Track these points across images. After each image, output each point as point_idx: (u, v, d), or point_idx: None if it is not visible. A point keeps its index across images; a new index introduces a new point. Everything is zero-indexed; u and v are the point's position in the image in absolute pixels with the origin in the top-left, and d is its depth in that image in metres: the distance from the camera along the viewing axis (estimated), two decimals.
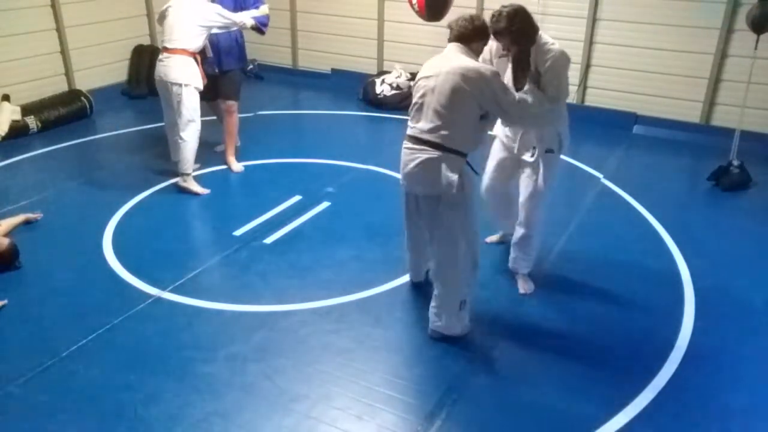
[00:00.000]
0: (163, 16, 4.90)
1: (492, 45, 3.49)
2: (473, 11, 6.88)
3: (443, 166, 3.10)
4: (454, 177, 3.09)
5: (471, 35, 3.18)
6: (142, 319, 3.51)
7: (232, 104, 5.30)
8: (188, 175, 4.98)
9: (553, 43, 3.37)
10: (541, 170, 3.58)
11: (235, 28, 4.97)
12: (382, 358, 3.24)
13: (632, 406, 2.92)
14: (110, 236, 4.33)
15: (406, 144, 3.27)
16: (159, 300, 3.67)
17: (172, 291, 3.75)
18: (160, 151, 5.82)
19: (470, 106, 3.09)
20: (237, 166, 5.42)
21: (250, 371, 3.13)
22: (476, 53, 3.25)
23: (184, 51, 4.74)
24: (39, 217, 4.50)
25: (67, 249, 4.19)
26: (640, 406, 2.92)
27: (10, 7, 6.20)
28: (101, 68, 7.21)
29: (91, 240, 4.27)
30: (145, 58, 7.46)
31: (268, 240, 4.33)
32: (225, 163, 5.45)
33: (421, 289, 3.79)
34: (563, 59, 3.35)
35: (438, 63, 3.17)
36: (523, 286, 3.81)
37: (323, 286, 3.82)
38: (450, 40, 3.23)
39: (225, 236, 4.38)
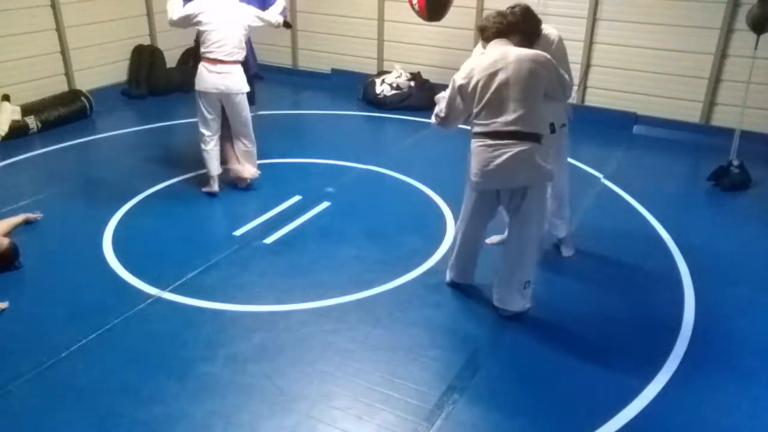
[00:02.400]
0: (202, 22, 4.62)
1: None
2: (473, 11, 6.88)
3: (536, 157, 3.23)
4: (549, 167, 3.31)
5: (507, 29, 3.31)
6: (142, 319, 3.51)
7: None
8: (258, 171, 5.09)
9: (548, 29, 3.63)
10: (561, 142, 3.86)
11: (269, 26, 4.98)
12: (382, 358, 3.24)
13: (631, 407, 2.92)
14: (110, 236, 4.33)
15: (485, 141, 3.26)
16: (159, 300, 3.67)
17: (172, 291, 3.75)
18: (160, 151, 5.83)
19: (541, 89, 3.26)
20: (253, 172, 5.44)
21: (250, 371, 3.13)
22: (515, 45, 3.32)
23: (238, 62, 4.73)
24: (39, 217, 4.50)
25: (67, 249, 4.19)
26: (639, 407, 2.92)
27: (10, 7, 6.20)
28: (101, 68, 7.21)
29: (91, 240, 4.27)
30: (145, 58, 7.46)
31: (268, 240, 4.33)
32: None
33: (421, 289, 3.80)
34: (561, 40, 3.70)
35: (494, 59, 3.23)
36: (566, 250, 4.18)
37: (323, 286, 3.82)
38: (488, 38, 3.34)
39: (225, 236, 4.39)
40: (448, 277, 3.84)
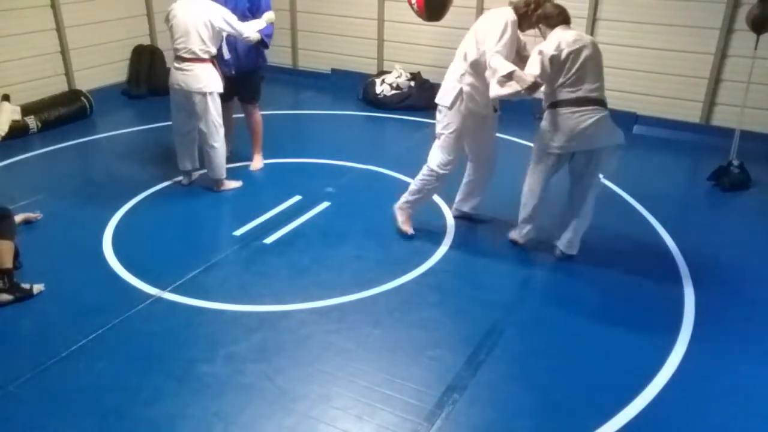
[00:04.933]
0: (170, 19, 4.72)
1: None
2: (473, 11, 6.88)
3: (611, 122, 3.84)
4: (619, 130, 3.88)
5: (567, 18, 3.89)
6: (142, 319, 3.51)
7: (254, 107, 5.35)
8: (223, 178, 5.02)
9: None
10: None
11: (240, 39, 4.84)
12: (382, 358, 3.24)
13: (631, 407, 2.92)
14: (110, 236, 4.33)
15: (571, 108, 3.76)
16: (159, 300, 3.67)
17: (172, 291, 3.75)
18: (160, 151, 5.83)
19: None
20: (259, 164, 5.50)
21: (250, 371, 3.13)
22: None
23: (201, 60, 4.68)
24: (39, 217, 4.50)
25: (67, 249, 4.19)
26: (639, 407, 2.92)
27: (10, 7, 6.20)
28: (101, 68, 7.21)
29: (91, 240, 4.27)
30: (145, 58, 7.46)
31: (268, 240, 4.33)
32: (251, 159, 5.51)
33: (421, 289, 3.80)
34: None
35: (575, 37, 3.77)
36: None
37: (323, 286, 3.82)
38: (554, 25, 3.85)
39: (225, 236, 4.39)
40: (524, 238, 4.23)
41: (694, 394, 3.02)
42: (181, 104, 4.83)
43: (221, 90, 4.81)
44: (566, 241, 4.10)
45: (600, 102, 3.79)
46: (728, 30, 5.91)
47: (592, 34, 6.45)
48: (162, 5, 7.62)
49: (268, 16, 4.93)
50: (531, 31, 4.02)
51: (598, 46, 3.83)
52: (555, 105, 3.82)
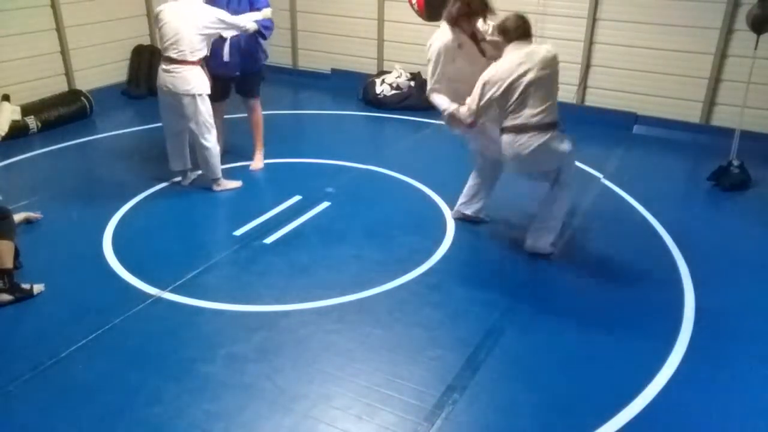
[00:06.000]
0: (159, 21, 4.69)
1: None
2: None
3: (554, 141, 3.76)
4: (565, 142, 3.82)
5: (526, 32, 3.77)
6: (142, 319, 3.51)
7: (255, 101, 5.40)
8: (220, 178, 5.02)
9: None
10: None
11: (238, 32, 4.85)
12: (382, 358, 3.24)
13: (631, 407, 2.92)
14: (110, 236, 4.33)
15: (512, 135, 3.76)
16: (159, 300, 3.67)
17: (172, 291, 3.75)
18: (160, 151, 5.81)
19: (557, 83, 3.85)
20: (259, 164, 5.51)
21: (250, 371, 3.13)
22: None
23: (190, 62, 4.64)
24: (39, 217, 4.50)
25: (67, 249, 4.19)
26: (639, 407, 2.92)
27: (10, 7, 6.21)
28: (101, 68, 7.22)
29: (91, 240, 4.27)
30: (145, 58, 7.46)
31: (268, 240, 4.33)
32: (252, 157, 5.53)
33: (421, 289, 3.80)
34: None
35: (523, 59, 3.68)
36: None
37: (323, 286, 3.82)
38: (512, 40, 3.74)
39: (225, 236, 4.39)
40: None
41: (694, 395, 3.02)
42: (170, 105, 4.80)
43: (209, 92, 4.77)
44: (532, 239, 4.12)
45: (540, 127, 3.72)
46: (728, 30, 5.90)
47: (592, 34, 6.46)
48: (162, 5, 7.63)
49: (265, 12, 4.95)
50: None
51: (554, 60, 3.74)
52: (501, 130, 3.84)
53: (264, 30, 4.98)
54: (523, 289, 3.85)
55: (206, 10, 4.63)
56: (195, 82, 4.68)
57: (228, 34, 4.88)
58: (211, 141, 4.86)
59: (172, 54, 4.64)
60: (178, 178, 5.16)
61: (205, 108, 4.77)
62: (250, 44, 5.04)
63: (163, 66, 4.72)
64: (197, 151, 4.92)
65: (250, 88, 5.33)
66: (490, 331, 3.44)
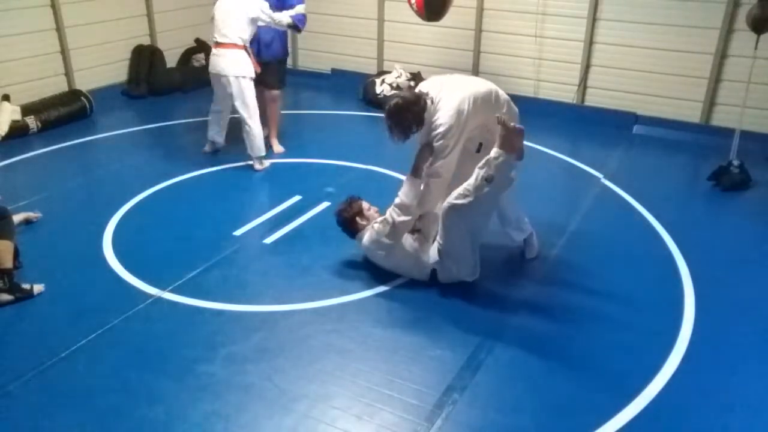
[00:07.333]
0: (214, 10, 5.23)
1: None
2: (473, 11, 6.89)
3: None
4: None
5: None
6: (142, 319, 3.51)
7: (276, 93, 5.73)
8: (262, 156, 5.41)
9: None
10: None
11: (273, 26, 5.28)
12: (382, 358, 3.24)
13: (631, 407, 2.92)
14: (110, 236, 4.33)
15: None
16: (159, 300, 3.67)
17: (172, 291, 3.75)
18: (160, 151, 5.83)
19: None
20: (279, 148, 5.86)
21: (250, 371, 3.13)
22: None
23: (235, 45, 5.11)
24: (39, 217, 4.50)
25: (67, 249, 4.19)
26: (639, 407, 2.92)
27: (10, 7, 6.20)
28: (101, 68, 7.21)
29: (91, 240, 4.27)
30: (145, 58, 7.46)
31: (268, 240, 4.33)
32: (268, 145, 5.73)
33: (421, 289, 3.80)
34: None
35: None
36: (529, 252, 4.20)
37: (323, 286, 3.82)
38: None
39: (225, 236, 4.38)
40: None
41: (694, 394, 3.02)
42: (218, 86, 5.32)
43: (254, 75, 5.22)
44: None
45: None
46: (728, 30, 5.91)
47: (592, 34, 6.47)
48: (162, 5, 7.64)
49: (297, 8, 5.38)
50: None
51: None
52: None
53: (298, 24, 5.39)
54: (523, 289, 3.85)
55: (254, 2, 5.14)
56: (240, 64, 5.15)
57: (264, 25, 5.28)
58: (256, 121, 5.28)
59: (221, 38, 5.15)
60: (204, 147, 5.67)
61: (251, 91, 5.22)
62: (269, 36, 5.45)
63: (214, 50, 5.27)
64: (244, 131, 5.31)
65: (268, 79, 5.56)
66: (490, 331, 3.44)
